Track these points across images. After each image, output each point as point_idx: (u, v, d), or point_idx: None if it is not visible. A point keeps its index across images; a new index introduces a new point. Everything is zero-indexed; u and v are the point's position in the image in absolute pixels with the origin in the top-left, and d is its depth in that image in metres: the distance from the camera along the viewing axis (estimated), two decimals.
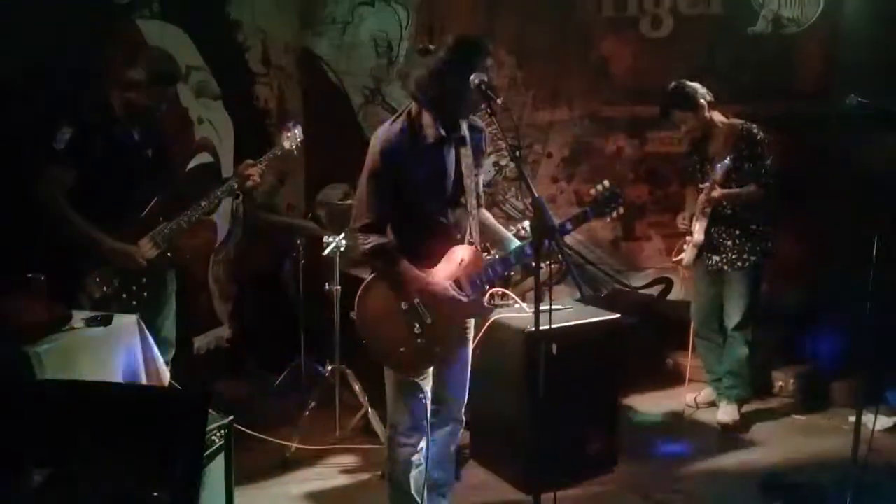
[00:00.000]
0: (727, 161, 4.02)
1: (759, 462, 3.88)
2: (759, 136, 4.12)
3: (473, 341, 3.14)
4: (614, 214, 2.87)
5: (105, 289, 3.27)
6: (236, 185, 3.56)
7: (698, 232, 4.22)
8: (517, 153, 2.78)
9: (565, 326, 3.56)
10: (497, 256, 2.97)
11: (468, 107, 2.72)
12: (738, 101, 4.70)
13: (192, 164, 4.52)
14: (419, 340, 2.75)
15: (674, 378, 4.88)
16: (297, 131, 3.75)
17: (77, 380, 2.34)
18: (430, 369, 2.86)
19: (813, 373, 4.74)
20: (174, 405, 1.79)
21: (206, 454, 2.70)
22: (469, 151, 2.81)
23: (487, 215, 3.04)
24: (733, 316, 4.27)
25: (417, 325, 2.75)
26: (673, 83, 4.19)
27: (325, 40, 5.52)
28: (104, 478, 1.69)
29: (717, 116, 4.19)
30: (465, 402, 3.04)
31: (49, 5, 3.55)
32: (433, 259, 2.79)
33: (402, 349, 2.75)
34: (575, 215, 2.86)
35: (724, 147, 4.14)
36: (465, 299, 2.76)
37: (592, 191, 2.86)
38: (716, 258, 4.25)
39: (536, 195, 2.50)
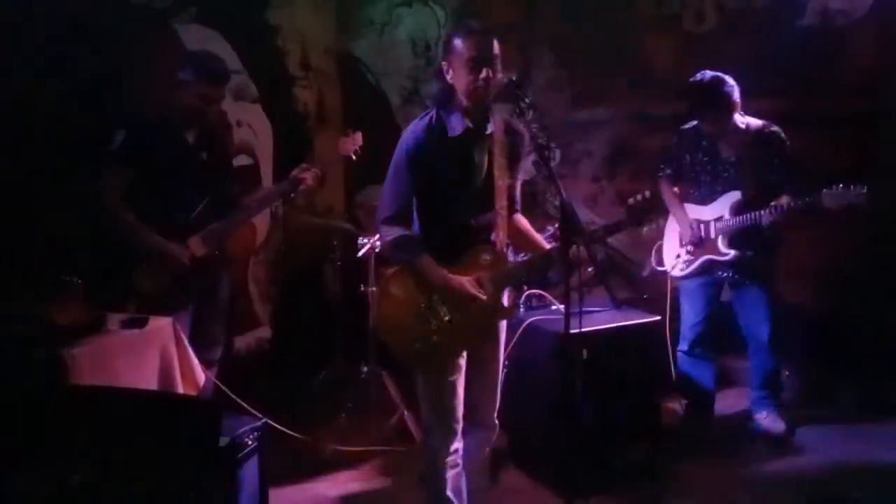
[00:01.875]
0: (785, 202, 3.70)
1: (809, 472, 3.73)
2: (787, 141, 3.83)
3: (506, 347, 3.11)
4: (653, 226, 2.81)
5: (152, 285, 3.32)
6: (290, 188, 3.59)
7: (724, 245, 3.90)
8: (545, 153, 2.73)
9: (602, 329, 3.49)
10: (521, 261, 2.95)
11: (474, 101, 2.67)
12: (785, 97, 4.56)
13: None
14: (435, 337, 2.74)
15: (720, 382, 4.74)
16: (357, 137, 3.74)
17: (99, 385, 2.37)
18: (462, 369, 2.83)
19: (869, 379, 4.55)
20: (189, 412, 1.81)
21: (239, 455, 2.74)
22: (505, 153, 2.79)
23: (523, 221, 3.02)
24: (762, 329, 4.01)
25: (434, 322, 2.74)
26: (708, 76, 3.81)
27: (364, 42, 5.54)
28: (123, 482, 1.71)
29: (737, 115, 3.86)
30: (497, 405, 2.99)
31: (90, 10, 3.63)
32: (458, 258, 2.78)
33: (417, 345, 2.75)
34: (607, 224, 2.81)
35: (742, 150, 3.85)
36: (484, 297, 2.73)
37: (631, 200, 2.80)
38: (731, 271, 3.96)
39: (565, 198, 2.48)
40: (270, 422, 3.12)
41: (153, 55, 3.97)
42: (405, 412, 4.00)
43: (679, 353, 4.21)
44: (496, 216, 2.79)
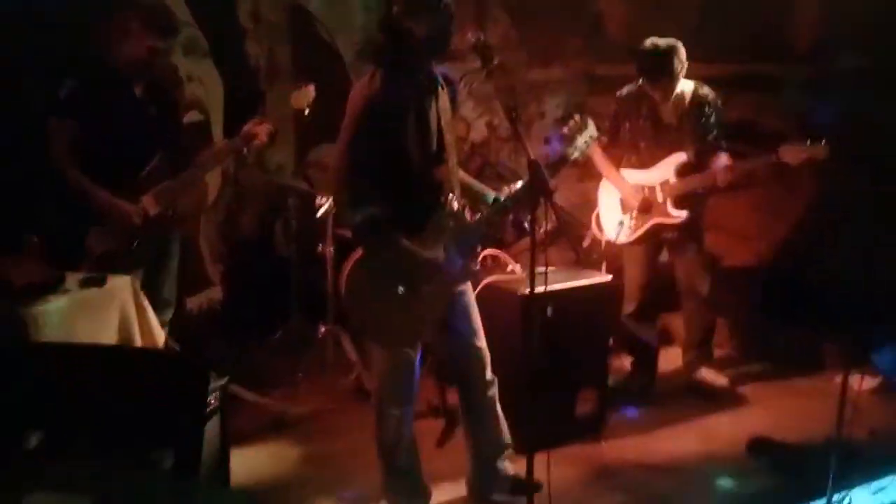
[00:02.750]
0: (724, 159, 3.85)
1: (748, 424, 3.90)
2: (718, 101, 3.95)
3: None
4: (590, 146, 2.81)
5: (105, 246, 3.25)
6: (242, 143, 3.53)
7: (674, 208, 3.96)
8: (514, 114, 2.70)
9: (558, 289, 3.56)
10: (481, 215, 2.87)
11: (430, 49, 2.61)
12: (731, 61, 4.65)
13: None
14: (411, 314, 2.70)
15: (663, 340, 4.89)
16: (309, 90, 3.66)
17: (76, 342, 2.33)
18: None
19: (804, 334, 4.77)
20: (175, 367, 1.79)
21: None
22: (447, 106, 2.73)
23: (461, 172, 2.96)
24: (702, 285, 4.14)
25: (409, 300, 2.67)
26: (663, 44, 3.80)
27: None
28: (104, 440, 1.69)
29: None
30: (487, 360, 2.95)
31: None
32: (423, 226, 2.70)
33: (393, 325, 2.70)
34: (552, 162, 2.78)
35: (681, 113, 3.93)
36: (454, 267, 2.72)
37: (566, 129, 2.79)
38: (675, 231, 4.07)
39: (532, 157, 2.49)
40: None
41: (101, 4, 3.81)
42: (363, 370, 4.02)
43: (624, 315, 4.30)
44: (449, 173, 2.73)
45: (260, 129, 3.53)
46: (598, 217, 4.26)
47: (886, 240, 4.00)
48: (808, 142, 3.66)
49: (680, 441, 3.76)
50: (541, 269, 2.57)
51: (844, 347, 3.85)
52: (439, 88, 2.71)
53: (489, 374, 2.96)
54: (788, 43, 4.77)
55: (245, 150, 3.59)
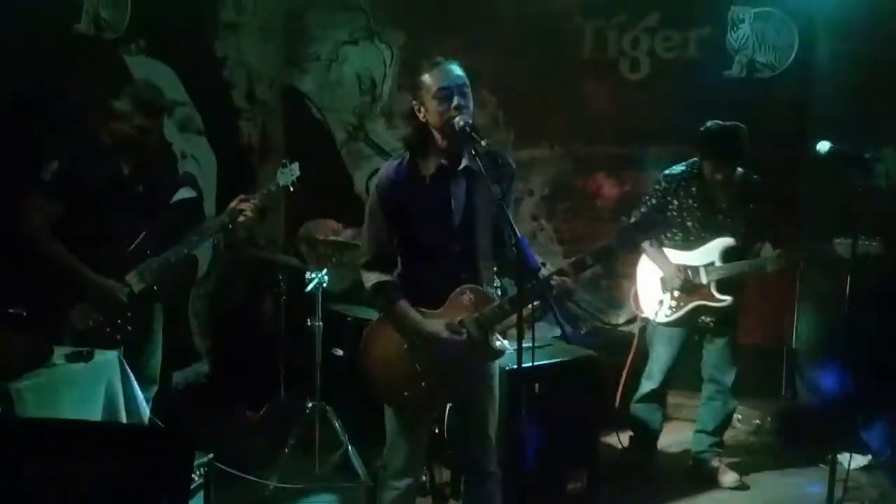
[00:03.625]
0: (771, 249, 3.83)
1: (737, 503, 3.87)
2: (770, 190, 3.96)
3: None
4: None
5: (89, 323, 3.25)
6: (228, 220, 3.57)
7: (717, 290, 3.92)
8: (502, 193, 2.74)
9: (545, 364, 3.56)
10: (501, 301, 2.80)
11: (449, 136, 2.63)
12: None
13: (174, 199, 4.51)
14: (422, 383, 2.71)
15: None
16: (294, 168, 3.73)
17: (59, 418, 2.32)
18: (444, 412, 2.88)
19: (791, 410, 4.76)
20: (159, 443, 1.79)
21: None
22: (487, 187, 2.66)
23: (510, 255, 2.84)
24: (729, 374, 4.08)
25: (419, 368, 2.71)
26: (730, 125, 3.80)
27: (310, 77, 5.60)
28: None
29: None
30: (493, 452, 2.88)
31: (36, 38, 3.58)
32: (440, 300, 2.73)
33: (405, 392, 2.73)
34: (595, 251, 2.73)
35: (734, 197, 3.91)
36: (460, 339, 2.68)
37: (628, 220, 2.75)
38: (715, 316, 4.00)
39: (519, 236, 2.53)
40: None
41: (95, 86, 3.91)
42: (349, 448, 3.98)
43: (642, 392, 4.21)
44: (478, 253, 2.75)
45: (246, 206, 3.57)
46: (636, 294, 4.22)
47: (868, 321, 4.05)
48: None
49: None
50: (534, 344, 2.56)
51: (833, 426, 3.84)
52: (469, 171, 2.71)
53: (494, 466, 2.89)
54: (766, 127, 4.92)
55: (231, 225, 3.63)
